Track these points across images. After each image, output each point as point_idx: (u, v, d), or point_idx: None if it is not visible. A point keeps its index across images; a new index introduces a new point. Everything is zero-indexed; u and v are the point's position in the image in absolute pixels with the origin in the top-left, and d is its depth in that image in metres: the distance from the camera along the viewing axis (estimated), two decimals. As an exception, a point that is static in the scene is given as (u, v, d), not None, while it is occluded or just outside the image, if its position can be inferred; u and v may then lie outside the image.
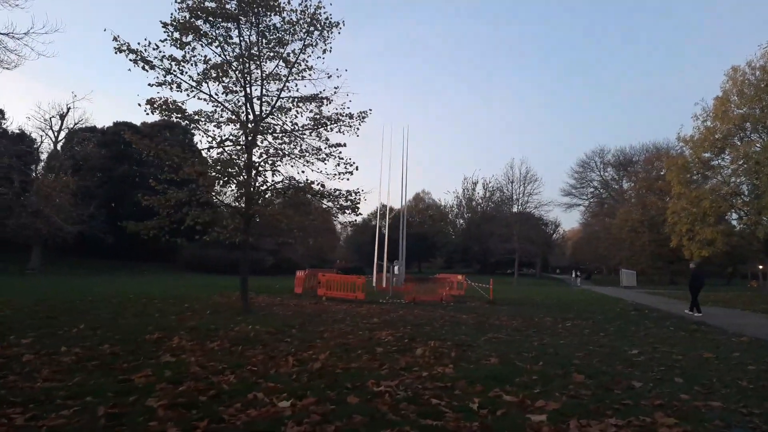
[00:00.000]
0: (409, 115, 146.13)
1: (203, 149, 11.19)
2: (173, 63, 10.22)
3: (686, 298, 26.04)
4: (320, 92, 11.38)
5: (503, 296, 22.88)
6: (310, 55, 11.51)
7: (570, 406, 4.67)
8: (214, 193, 11.22)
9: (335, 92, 11.50)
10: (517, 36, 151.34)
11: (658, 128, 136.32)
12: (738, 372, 6.60)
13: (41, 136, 36.90)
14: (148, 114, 10.07)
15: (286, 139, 11.94)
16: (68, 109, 37.19)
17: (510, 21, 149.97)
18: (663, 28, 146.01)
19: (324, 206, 11.82)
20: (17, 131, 37.98)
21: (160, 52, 10.17)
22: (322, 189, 11.37)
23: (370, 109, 11.62)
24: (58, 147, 37.41)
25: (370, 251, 29.78)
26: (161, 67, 10.27)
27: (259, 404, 4.34)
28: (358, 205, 11.73)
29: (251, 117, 11.37)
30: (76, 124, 38.38)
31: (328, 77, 11.69)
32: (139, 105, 10.06)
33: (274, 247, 40.83)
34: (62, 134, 37.96)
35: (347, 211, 11.69)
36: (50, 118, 36.66)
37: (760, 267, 40.79)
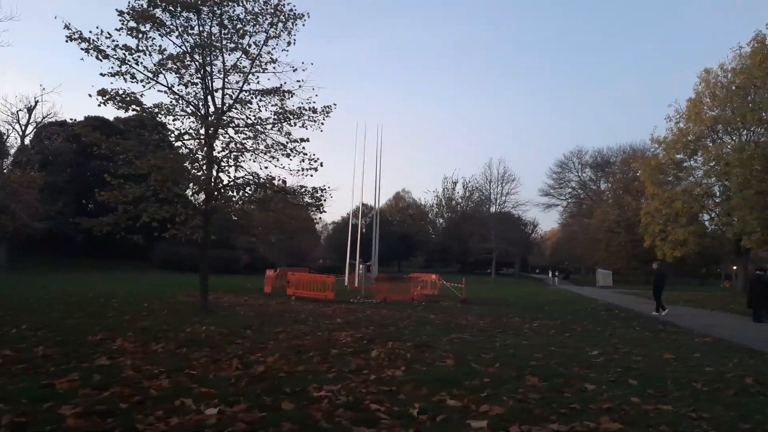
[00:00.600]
0: (389, 114, 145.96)
1: (160, 144, 10.75)
2: (127, 53, 9.82)
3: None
4: (282, 84, 11.09)
5: (478, 296, 22.80)
6: (275, 48, 11.23)
7: (515, 410, 4.49)
8: (171, 189, 10.77)
9: (300, 86, 11.23)
10: (495, 36, 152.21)
11: (636, 130, 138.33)
12: (695, 374, 6.50)
13: (8, 130, 35.80)
14: (100, 105, 9.67)
15: (250, 134, 11.62)
16: (36, 102, 36.21)
17: (489, 21, 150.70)
18: (642, 30, 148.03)
19: (286, 202, 11.47)
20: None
21: (113, 41, 9.78)
22: (283, 185, 11.08)
23: (335, 104, 11.37)
24: (26, 141, 36.30)
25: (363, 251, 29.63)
26: (115, 57, 9.88)
27: (185, 412, 4.07)
28: (322, 203, 11.48)
29: (211, 110, 11.02)
30: (44, 117, 37.32)
31: (294, 70, 11.41)
32: (90, 96, 9.67)
33: (249, 246, 40.30)
34: (30, 128, 36.82)
35: (312, 209, 11.42)
36: (17, 112, 35.61)
37: (734, 267, 41.52)
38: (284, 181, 11.08)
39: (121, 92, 9.93)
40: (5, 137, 37.15)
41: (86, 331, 7.71)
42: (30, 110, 35.61)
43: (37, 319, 8.86)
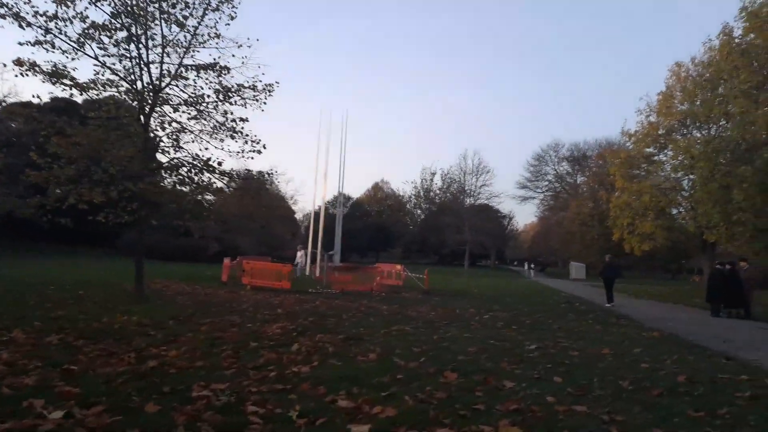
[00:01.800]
0: (370, 104, 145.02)
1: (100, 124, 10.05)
2: (49, 20, 9.11)
3: (625, 292, 26.52)
4: (216, 59, 10.49)
5: (444, 287, 22.57)
6: (218, 21, 10.62)
7: (410, 412, 4.09)
8: (105, 169, 10.11)
9: (243, 63, 10.64)
10: (476, 27, 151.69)
11: (615, 123, 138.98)
12: (627, 371, 6.20)
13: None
14: (17, 76, 8.99)
15: (193, 113, 11.01)
16: (-5, 80, 34.74)
17: (468, 11, 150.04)
18: (618, 22, 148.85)
19: (221, 185, 10.90)
20: None
21: (32, 7, 9.06)
22: (218, 167, 10.54)
23: (277, 82, 10.81)
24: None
25: (328, 240, 28.95)
26: (38, 25, 9.17)
27: (28, 414, 3.58)
28: (264, 187, 10.99)
29: (145, 85, 10.35)
30: (5, 97, 35.83)
31: (238, 46, 10.80)
32: (5, 65, 8.99)
33: (219, 234, 39.49)
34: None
35: (250, 191, 10.93)
36: (-24, 91, 34.18)
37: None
38: (219, 163, 10.54)
39: (45, 63, 9.25)
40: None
41: (-12, 321, 7.14)
42: (-9, 89, 34.12)
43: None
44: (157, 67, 10.53)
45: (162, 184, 9.81)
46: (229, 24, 10.79)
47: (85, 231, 33.66)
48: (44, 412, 3.61)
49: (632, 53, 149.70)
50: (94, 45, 9.65)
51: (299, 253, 21.03)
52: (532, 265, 60.89)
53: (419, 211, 77.31)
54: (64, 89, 9.77)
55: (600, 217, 49.61)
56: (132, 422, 3.55)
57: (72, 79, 9.93)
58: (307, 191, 69.01)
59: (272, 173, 11.26)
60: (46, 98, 11.37)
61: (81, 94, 10.40)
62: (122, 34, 9.80)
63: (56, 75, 9.66)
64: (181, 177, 10.60)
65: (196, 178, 10.54)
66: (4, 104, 33.94)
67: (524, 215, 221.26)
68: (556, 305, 16.10)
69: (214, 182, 10.80)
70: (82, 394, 4.09)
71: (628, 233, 28.74)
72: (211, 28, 10.68)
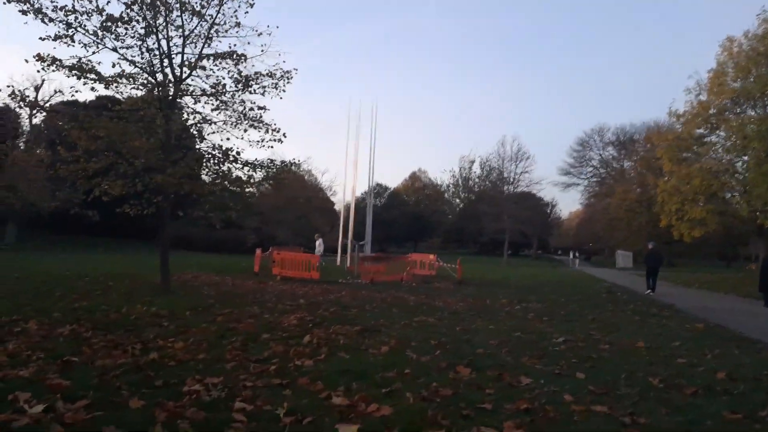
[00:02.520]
0: (407, 93, 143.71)
1: (107, 114, 10.16)
2: (69, 14, 9.17)
3: (674, 281, 25.30)
4: (232, 46, 10.35)
5: (479, 277, 22.06)
6: (237, 10, 10.49)
7: (407, 411, 3.79)
8: (131, 162, 10.22)
9: (263, 51, 10.49)
10: (515, 10, 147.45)
11: (661, 104, 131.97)
12: (660, 366, 5.69)
13: (16, 108, 35.85)
14: (39, 72, 9.13)
15: (213, 103, 10.97)
16: (42, 81, 36.17)
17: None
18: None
19: (242, 175, 10.80)
20: (14, 105, 36.99)
21: (52, 1, 9.13)
22: (237, 156, 10.44)
23: (296, 69, 10.63)
24: (35, 120, 36.39)
25: (363, 230, 28.90)
26: (59, 20, 9.25)
27: (8, 408, 3.48)
28: (281, 176, 10.84)
29: (166, 77, 10.34)
30: (51, 96, 37.26)
31: (258, 35, 10.66)
32: (26, 61, 9.12)
33: (257, 225, 40.09)
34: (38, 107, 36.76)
35: (270, 182, 10.80)
36: (23, 90, 35.60)
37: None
38: (238, 152, 10.45)
39: (69, 58, 9.34)
40: (19, 117, 37.35)
41: (11, 311, 7.24)
42: (37, 89, 35.56)
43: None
44: (178, 58, 10.51)
45: (183, 178, 9.75)
46: (247, 12, 10.65)
47: (131, 225, 34.95)
48: (26, 406, 3.50)
49: (681, 28, 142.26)
50: (113, 38, 9.67)
51: (318, 242, 20.95)
52: (576, 254, 59.07)
53: (458, 200, 76.29)
54: (86, 83, 9.83)
55: (648, 203, 47.54)
56: (111, 418, 3.39)
57: (96, 73, 10.03)
58: (348, 183, 69.28)
59: (295, 163, 11.03)
60: (91, 96, 11.59)
61: (106, 88, 10.50)
62: (141, 26, 9.79)
63: (80, 69, 9.75)
64: (206, 169, 10.60)
65: (216, 169, 10.52)
66: (48, 104, 35.34)
67: (568, 202, 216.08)
68: (596, 295, 15.39)
69: (235, 173, 10.74)
70: (71, 387, 3.98)
71: (676, 219, 27.23)
72: (230, 17, 10.57)
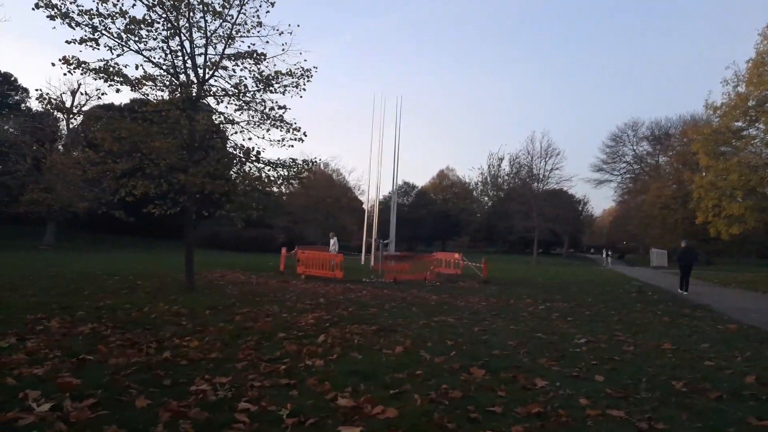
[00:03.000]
0: (435, 90, 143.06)
1: (133, 115, 10.37)
2: (95, 17, 9.38)
3: (711, 280, 24.44)
4: (250, 46, 10.41)
5: (505, 276, 21.71)
6: (258, 10, 10.57)
7: (414, 414, 3.71)
8: (156, 163, 10.43)
9: (284, 50, 10.54)
10: (544, 4, 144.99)
11: (697, 97, 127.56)
12: (685, 369, 5.45)
13: (53, 112, 37.10)
14: (66, 75, 9.38)
15: (238, 104, 11.07)
16: (79, 84, 37.28)
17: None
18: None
19: (263, 175, 10.84)
20: (41, 109, 38.32)
21: (78, 6, 9.35)
22: (258, 156, 10.51)
23: (315, 67, 10.63)
24: (71, 124, 37.54)
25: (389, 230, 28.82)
26: (85, 23, 9.47)
27: (14, 407, 3.53)
28: (302, 175, 10.88)
29: (191, 78, 10.49)
30: (88, 100, 38.36)
31: (279, 34, 10.72)
32: (53, 65, 9.35)
33: (286, 225, 40.51)
34: (75, 111, 37.95)
35: (291, 180, 10.84)
36: (61, 95, 36.80)
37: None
38: (258, 152, 10.51)
39: (96, 61, 9.57)
40: (58, 121, 38.62)
41: (37, 310, 7.45)
42: (73, 93, 36.69)
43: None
44: (200, 59, 10.65)
45: (206, 178, 9.87)
46: (269, 11, 10.71)
47: (167, 225, 35.76)
48: (33, 405, 3.55)
49: (718, 17, 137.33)
50: (136, 40, 9.85)
51: (332, 240, 21.00)
52: (609, 252, 57.60)
53: (486, 198, 75.41)
54: (112, 85, 10.05)
55: (683, 200, 46.08)
56: (115, 417, 3.42)
57: (123, 75, 10.24)
58: (372, 182, 69.17)
59: (315, 161, 11.06)
60: (126, 100, 11.88)
61: (132, 90, 10.70)
62: (163, 27, 9.93)
63: (106, 72, 9.96)
64: (227, 168, 10.71)
65: (237, 169, 10.63)
66: (84, 107, 36.42)
67: (600, 200, 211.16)
68: (625, 295, 14.94)
69: (255, 172, 10.80)
70: (81, 385, 4.03)
71: (713, 216, 26.23)
72: (252, 17, 10.64)
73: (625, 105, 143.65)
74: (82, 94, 37.77)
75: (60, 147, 37.56)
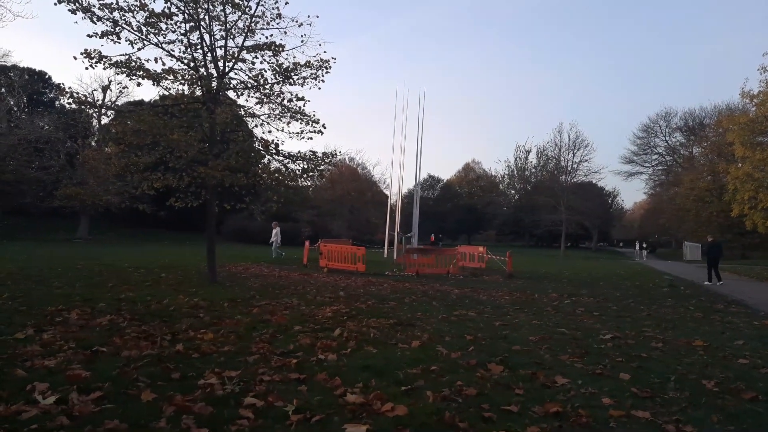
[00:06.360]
0: (462, 84, 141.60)
1: (154, 108, 10.45)
2: (116, 11, 9.42)
3: (747, 274, 23.55)
4: (268, 37, 10.32)
5: (531, 270, 21.30)
6: (277, 1, 10.48)
7: (424, 411, 3.55)
8: (178, 157, 10.52)
9: (303, 41, 10.43)
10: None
11: (734, 85, 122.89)
12: (717, 367, 5.16)
13: (86, 108, 37.92)
14: (87, 69, 9.49)
15: (259, 97, 11.04)
16: (110, 81, 38.02)
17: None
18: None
19: (283, 167, 10.79)
20: (75, 106, 39.24)
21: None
22: (277, 149, 10.45)
23: (334, 58, 10.49)
24: (103, 120, 38.36)
25: (418, 223, 28.47)
26: (106, 17, 9.53)
27: (20, 399, 3.51)
28: (321, 168, 10.79)
29: (210, 71, 10.49)
30: (118, 96, 39.16)
31: (299, 25, 10.61)
32: (75, 58, 9.43)
33: (312, 219, 40.68)
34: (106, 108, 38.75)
35: (310, 173, 10.77)
36: (92, 92, 37.61)
37: None
38: (277, 145, 10.45)
39: (117, 56, 9.64)
40: (90, 117, 39.50)
41: (59, 301, 7.54)
42: (104, 89, 37.46)
43: (24, 288, 8.88)
44: (219, 51, 10.63)
45: (225, 171, 9.87)
46: (288, 2, 10.61)
47: (197, 218, 36.25)
48: (39, 398, 3.53)
49: (754, 1, 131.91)
50: (156, 33, 9.87)
51: (274, 231, 20.78)
52: (644, 245, 55.98)
53: (513, 191, 74.36)
54: (133, 79, 10.11)
55: (718, 192, 44.55)
56: (119, 411, 3.37)
57: (145, 70, 10.29)
58: (395, 175, 68.85)
59: (335, 153, 10.96)
60: (155, 95, 12.02)
61: (154, 85, 10.75)
62: (183, 19, 9.93)
63: (127, 66, 10.02)
64: (245, 161, 10.71)
65: (256, 161, 10.62)
66: (115, 103, 37.16)
67: (631, 192, 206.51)
68: (656, 289, 14.48)
69: (279, 166, 10.77)
70: (90, 378, 4.00)
71: (749, 208, 25.34)
72: (272, 8, 10.56)
73: (656, 95, 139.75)
74: (111, 90, 38.49)
75: (93, 143, 38.50)
